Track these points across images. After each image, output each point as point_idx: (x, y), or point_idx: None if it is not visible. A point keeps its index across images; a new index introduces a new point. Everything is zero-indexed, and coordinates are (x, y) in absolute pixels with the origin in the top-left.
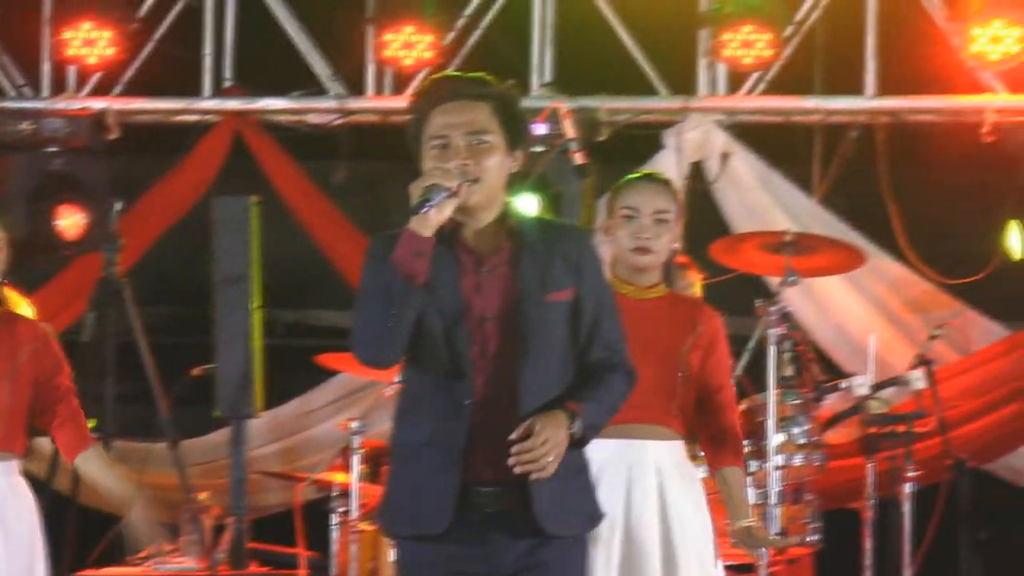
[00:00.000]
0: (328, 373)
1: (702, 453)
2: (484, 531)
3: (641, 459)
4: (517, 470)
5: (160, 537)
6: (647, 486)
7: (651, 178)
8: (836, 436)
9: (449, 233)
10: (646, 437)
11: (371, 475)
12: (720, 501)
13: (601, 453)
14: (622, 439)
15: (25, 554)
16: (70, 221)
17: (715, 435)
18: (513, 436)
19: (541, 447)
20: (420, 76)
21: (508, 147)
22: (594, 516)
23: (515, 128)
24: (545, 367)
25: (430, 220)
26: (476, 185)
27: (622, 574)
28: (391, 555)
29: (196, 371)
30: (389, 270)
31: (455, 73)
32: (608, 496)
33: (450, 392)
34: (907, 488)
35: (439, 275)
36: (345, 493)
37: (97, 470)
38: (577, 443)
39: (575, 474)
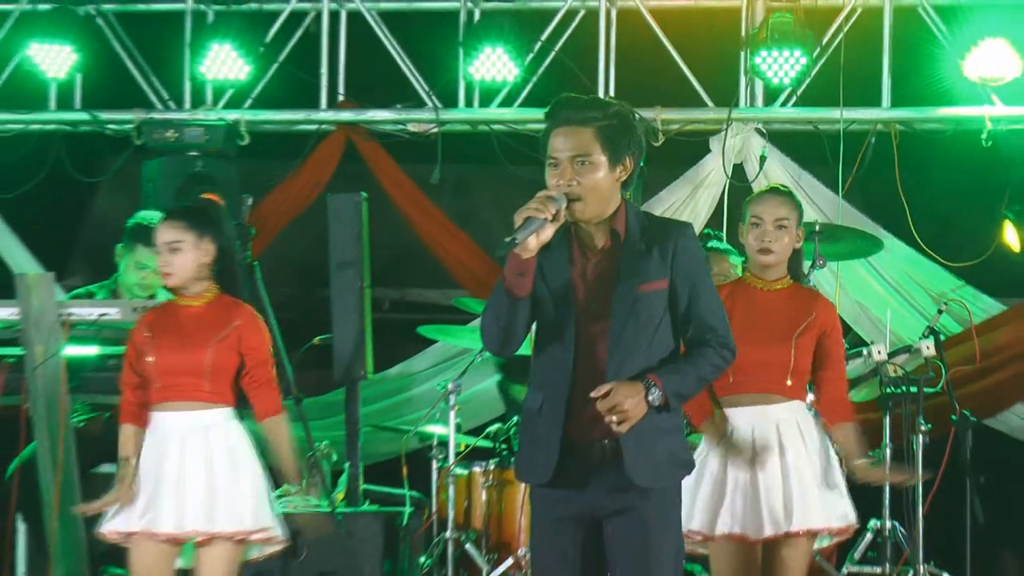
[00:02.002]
0: (427, 342)
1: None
2: (585, 480)
3: (762, 420)
4: (607, 421)
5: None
6: (769, 438)
7: (774, 191)
8: (858, 395)
9: (566, 231)
10: (767, 403)
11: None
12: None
13: (735, 418)
14: (749, 406)
15: (250, 477)
16: None
17: (826, 402)
18: (592, 394)
19: (612, 404)
20: (504, 91)
21: (611, 162)
22: (684, 467)
23: (619, 145)
24: (633, 346)
25: (529, 245)
26: (579, 204)
27: (750, 495)
28: (482, 495)
29: (316, 341)
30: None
31: (576, 96)
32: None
33: (557, 365)
34: (919, 439)
35: (554, 265)
36: (443, 443)
37: (279, 436)
38: (662, 407)
39: (666, 434)
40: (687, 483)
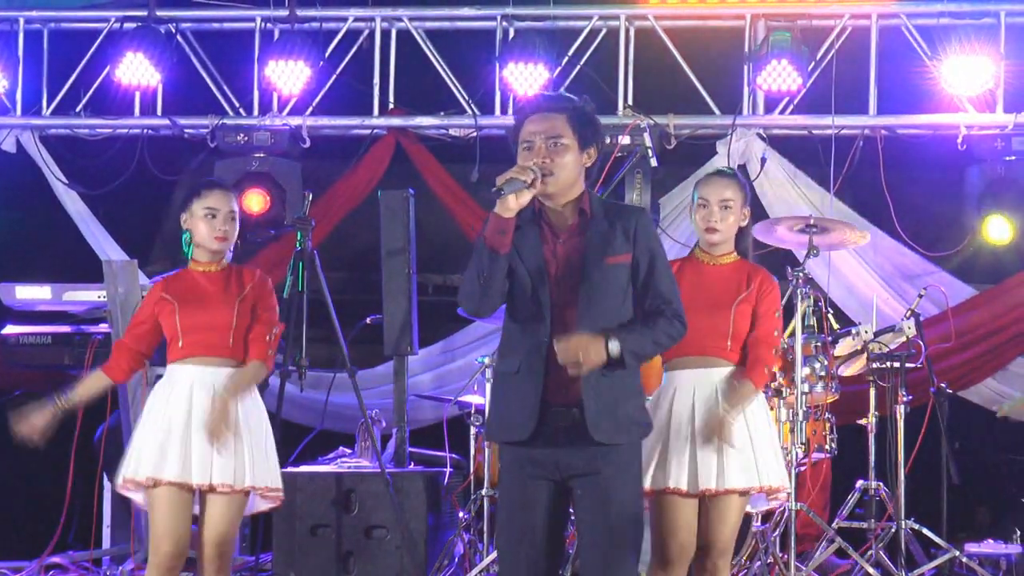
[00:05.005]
0: (466, 321)
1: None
2: (556, 441)
3: (704, 381)
4: (561, 360)
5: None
6: (709, 399)
7: (720, 173)
8: (847, 369)
9: (536, 212)
10: (709, 366)
11: None
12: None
13: (678, 378)
14: (692, 368)
15: (262, 438)
16: (255, 200)
17: (747, 359)
18: (556, 342)
19: (573, 347)
20: None
21: (580, 147)
22: (642, 427)
23: (586, 132)
24: (602, 314)
25: (509, 205)
26: (551, 177)
27: (690, 455)
28: None
29: (368, 320)
30: (480, 243)
31: (541, 92)
32: (681, 407)
33: (534, 333)
34: (901, 409)
35: (528, 244)
36: (479, 411)
37: (246, 373)
38: (619, 363)
39: (626, 398)
40: None
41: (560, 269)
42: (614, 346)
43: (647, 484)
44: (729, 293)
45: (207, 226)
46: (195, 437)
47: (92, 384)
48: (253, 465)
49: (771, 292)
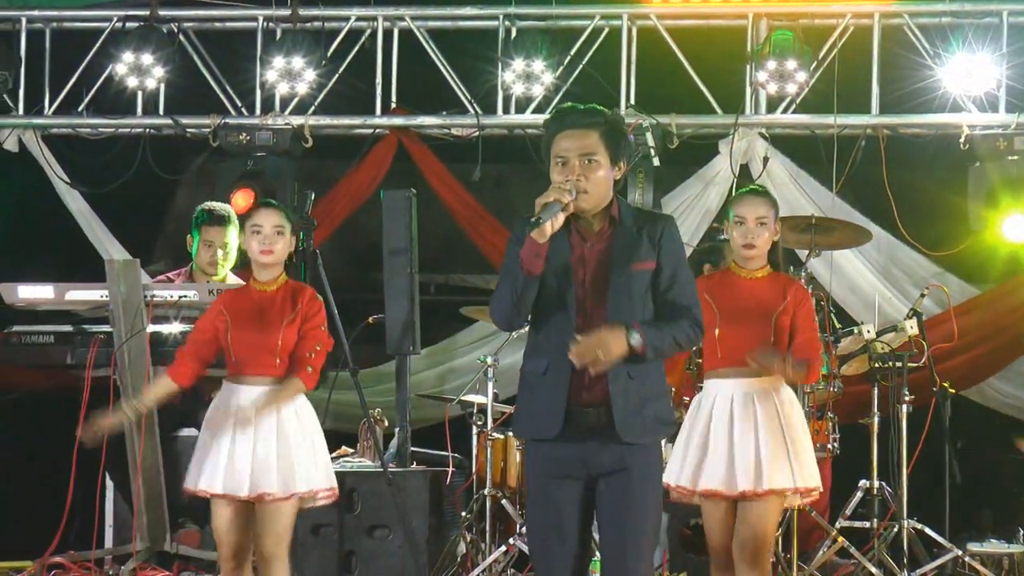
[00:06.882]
0: (469, 321)
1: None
2: (583, 440)
3: (744, 390)
4: (575, 362)
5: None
6: (748, 407)
7: (755, 192)
8: (850, 369)
9: (567, 220)
10: (750, 376)
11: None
12: None
13: (719, 387)
14: (734, 378)
15: (297, 442)
16: (240, 197)
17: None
18: (576, 338)
19: (593, 344)
20: (536, 99)
21: (611, 162)
22: (668, 426)
23: (617, 147)
24: (627, 318)
25: (545, 231)
26: (585, 195)
27: (728, 460)
28: (516, 457)
29: (371, 320)
30: (517, 260)
31: (575, 105)
32: (720, 414)
33: (561, 335)
34: (903, 408)
35: (556, 248)
36: (482, 410)
37: (285, 389)
38: (639, 357)
39: (653, 398)
40: (678, 443)
41: (587, 273)
42: (635, 339)
43: (687, 483)
44: (768, 305)
45: (255, 241)
46: (239, 451)
47: (159, 388)
48: (292, 471)
49: (806, 301)
